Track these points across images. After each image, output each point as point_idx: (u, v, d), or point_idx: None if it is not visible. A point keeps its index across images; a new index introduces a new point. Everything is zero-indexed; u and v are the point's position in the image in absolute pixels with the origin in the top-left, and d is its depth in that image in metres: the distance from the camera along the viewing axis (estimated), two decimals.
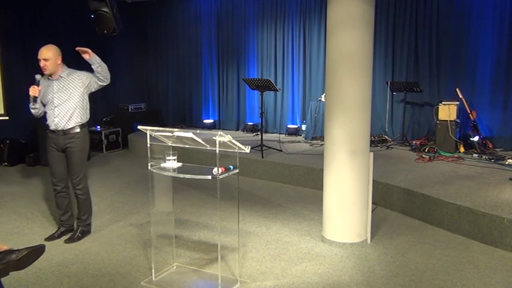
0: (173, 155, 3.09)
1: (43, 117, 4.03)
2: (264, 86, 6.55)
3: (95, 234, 4.14)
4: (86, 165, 4.07)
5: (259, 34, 8.74)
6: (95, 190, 5.65)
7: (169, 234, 3.78)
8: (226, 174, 2.92)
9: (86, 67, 3.98)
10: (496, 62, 6.58)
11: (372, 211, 4.07)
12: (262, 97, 6.62)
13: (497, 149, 6.46)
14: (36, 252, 2.39)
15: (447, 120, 6.36)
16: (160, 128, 3.04)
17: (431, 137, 6.83)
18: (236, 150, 2.92)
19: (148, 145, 3.17)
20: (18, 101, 7.56)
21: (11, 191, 5.67)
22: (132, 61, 9.86)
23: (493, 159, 5.87)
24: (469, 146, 6.41)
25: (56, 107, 3.87)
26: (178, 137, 2.99)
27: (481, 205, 3.97)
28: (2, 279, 2.34)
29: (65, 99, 3.86)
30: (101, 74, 3.92)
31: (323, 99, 7.36)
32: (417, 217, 4.49)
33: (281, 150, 6.78)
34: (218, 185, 2.91)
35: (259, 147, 6.45)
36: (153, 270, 3.26)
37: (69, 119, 3.89)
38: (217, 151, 2.85)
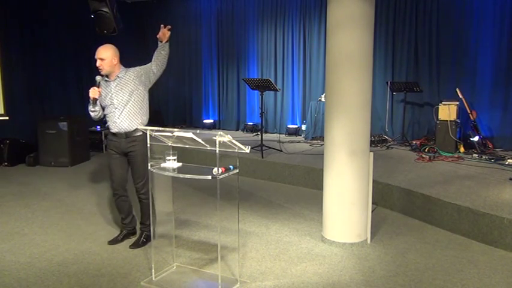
0: (173, 155, 3.09)
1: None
2: (264, 86, 6.55)
3: (95, 234, 4.13)
4: (148, 169, 4.00)
5: (259, 34, 8.75)
6: (95, 190, 5.67)
7: (169, 234, 3.78)
8: (226, 174, 2.92)
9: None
10: (496, 62, 6.58)
11: (372, 211, 4.07)
12: (262, 97, 6.62)
13: (497, 149, 6.46)
14: None
15: (447, 120, 6.36)
16: (160, 128, 3.04)
17: (431, 137, 6.83)
18: (236, 150, 2.91)
19: (148, 145, 3.18)
20: (18, 101, 7.60)
21: (11, 191, 5.67)
22: (132, 61, 9.83)
23: (493, 159, 5.87)
24: (469, 146, 6.41)
25: (116, 108, 3.69)
26: (178, 137, 2.99)
27: (481, 205, 3.96)
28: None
29: (125, 99, 3.68)
30: (161, 60, 3.90)
31: (323, 99, 7.37)
32: (417, 217, 4.49)
33: (281, 150, 6.78)
34: (218, 185, 2.90)
35: (259, 147, 6.45)
36: (153, 270, 3.26)
37: (132, 120, 3.70)
38: (217, 151, 2.85)
